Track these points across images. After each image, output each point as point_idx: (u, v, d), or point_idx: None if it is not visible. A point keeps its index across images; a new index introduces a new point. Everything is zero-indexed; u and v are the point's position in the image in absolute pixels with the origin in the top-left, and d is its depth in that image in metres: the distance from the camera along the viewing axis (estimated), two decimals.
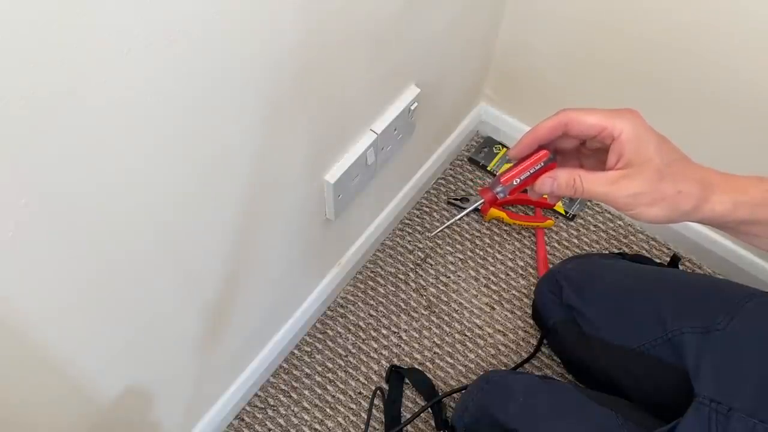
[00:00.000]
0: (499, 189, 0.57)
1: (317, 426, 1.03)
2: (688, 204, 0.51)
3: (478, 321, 1.11)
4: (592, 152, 0.57)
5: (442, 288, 1.14)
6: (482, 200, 0.58)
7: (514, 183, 0.56)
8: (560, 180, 0.53)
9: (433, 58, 0.90)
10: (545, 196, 0.56)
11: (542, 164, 0.55)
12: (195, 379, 0.86)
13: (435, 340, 1.09)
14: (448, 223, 0.63)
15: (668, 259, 1.11)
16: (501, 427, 0.80)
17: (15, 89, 0.38)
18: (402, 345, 1.09)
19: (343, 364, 1.07)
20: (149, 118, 0.49)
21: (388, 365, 1.06)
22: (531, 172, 0.55)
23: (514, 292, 1.13)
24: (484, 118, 1.24)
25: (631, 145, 0.51)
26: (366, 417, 1.02)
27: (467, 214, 0.63)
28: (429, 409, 1.01)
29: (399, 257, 1.16)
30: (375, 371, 1.07)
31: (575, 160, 0.58)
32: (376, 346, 1.09)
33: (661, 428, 0.68)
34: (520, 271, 1.15)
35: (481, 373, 1.03)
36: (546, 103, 1.13)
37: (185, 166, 0.56)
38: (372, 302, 1.12)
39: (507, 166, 0.56)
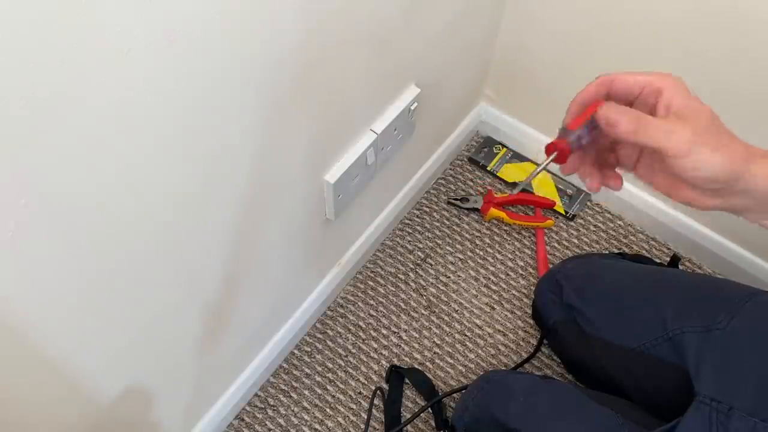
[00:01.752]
0: (569, 135, 0.52)
1: (317, 426, 1.03)
2: (741, 157, 0.47)
3: (478, 321, 1.11)
4: (630, 146, 0.54)
5: (442, 288, 1.14)
6: (555, 154, 0.53)
7: (583, 128, 0.52)
8: (624, 110, 0.49)
9: (433, 58, 0.90)
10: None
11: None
12: (195, 379, 0.86)
13: (435, 340, 1.09)
14: (537, 171, 0.56)
15: (668, 259, 1.11)
16: (501, 426, 0.80)
17: (15, 89, 0.38)
18: (402, 345, 1.09)
19: (343, 364, 1.07)
20: (149, 118, 0.49)
21: (388, 365, 1.06)
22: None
23: (514, 292, 1.13)
24: (484, 118, 1.24)
25: (677, 97, 0.49)
26: (366, 417, 1.02)
27: (535, 171, 0.56)
28: (429, 409, 1.01)
29: (399, 257, 1.16)
30: (375, 371, 1.07)
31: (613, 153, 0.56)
32: (376, 346, 1.09)
33: (662, 427, 0.68)
34: (520, 271, 1.15)
35: (481, 373, 1.03)
36: (546, 103, 1.13)
37: (185, 166, 0.56)
38: (372, 302, 1.12)
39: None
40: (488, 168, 1.24)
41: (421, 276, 1.15)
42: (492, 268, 1.15)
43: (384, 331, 1.10)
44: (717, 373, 0.68)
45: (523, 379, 0.87)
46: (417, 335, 1.10)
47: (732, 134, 0.49)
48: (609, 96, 0.52)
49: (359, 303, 1.12)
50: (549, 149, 0.53)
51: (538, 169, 0.54)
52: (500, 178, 1.23)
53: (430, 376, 1.05)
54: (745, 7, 0.78)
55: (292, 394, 1.05)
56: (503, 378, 0.87)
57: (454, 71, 1.01)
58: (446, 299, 1.12)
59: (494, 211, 1.16)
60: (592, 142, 0.53)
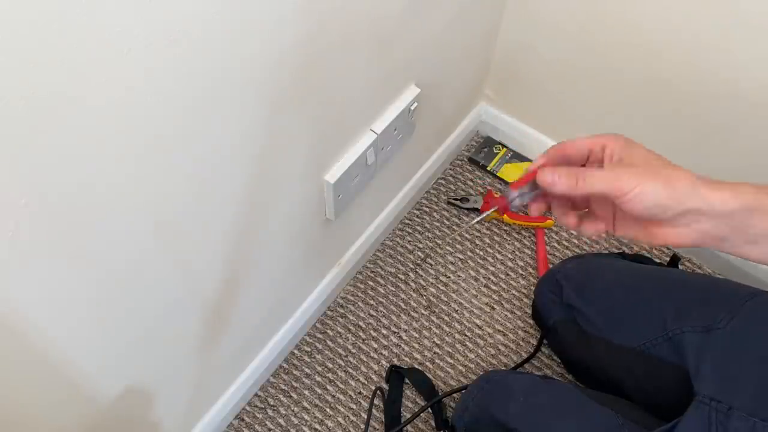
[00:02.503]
0: (510, 194, 0.59)
1: (317, 426, 1.03)
2: (686, 184, 0.51)
3: (478, 321, 1.11)
4: (602, 205, 0.59)
5: (442, 288, 1.14)
6: (495, 208, 0.61)
7: (524, 188, 0.58)
8: (560, 170, 0.55)
9: (433, 58, 0.90)
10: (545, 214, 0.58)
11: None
12: (195, 378, 0.86)
13: (435, 340, 1.09)
14: (464, 227, 0.68)
15: (668, 259, 1.11)
16: (501, 426, 0.80)
17: (15, 89, 0.38)
18: (402, 345, 1.09)
19: (343, 364, 1.07)
20: (149, 118, 0.49)
21: (388, 365, 1.06)
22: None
23: (514, 292, 1.13)
24: (484, 118, 1.24)
25: (620, 148, 0.55)
26: (366, 417, 1.02)
27: (474, 219, 0.66)
28: (429, 409, 1.01)
29: (399, 257, 1.16)
30: (375, 371, 1.07)
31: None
32: (376, 346, 1.09)
33: (662, 428, 0.68)
34: (520, 271, 1.15)
35: (481, 373, 1.03)
36: (546, 103, 1.13)
37: (185, 166, 0.56)
38: (372, 302, 1.12)
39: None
40: (488, 168, 1.24)
41: (421, 276, 1.15)
42: (492, 268, 1.15)
43: (384, 331, 1.10)
44: (716, 372, 0.68)
45: (523, 379, 0.87)
46: (417, 335, 1.10)
47: (677, 167, 0.53)
48: (564, 158, 0.58)
49: (359, 303, 1.12)
50: (490, 203, 0.62)
51: (477, 219, 0.66)
52: (500, 178, 1.23)
53: (430, 376, 1.05)
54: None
55: (292, 394, 1.05)
56: (503, 378, 0.87)
57: (454, 71, 1.01)
58: (446, 299, 1.12)
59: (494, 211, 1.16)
60: (542, 198, 0.59)
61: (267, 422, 1.03)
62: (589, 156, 0.57)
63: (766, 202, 0.51)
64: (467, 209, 1.20)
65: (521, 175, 0.58)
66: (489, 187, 1.22)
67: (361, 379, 1.06)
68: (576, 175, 0.53)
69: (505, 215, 1.16)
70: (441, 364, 1.07)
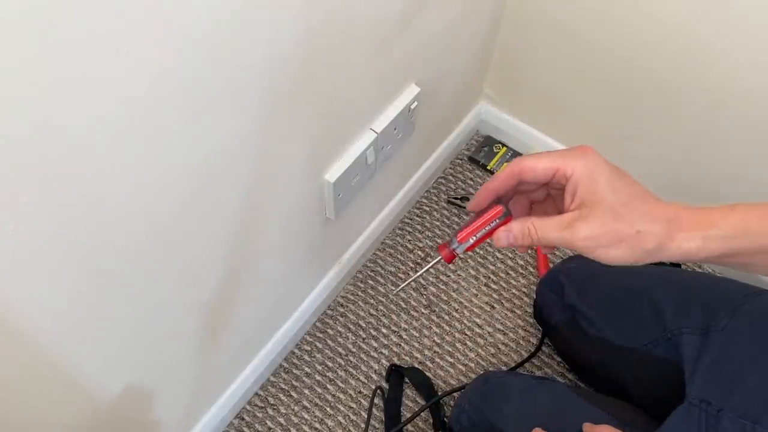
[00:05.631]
0: (456, 246, 0.56)
1: (317, 425, 1.03)
2: (651, 243, 0.47)
3: (478, 320, 1.11)
4: (547, 201, 0.55)
5: (442, 287, 1.14)
6: (440, 257, 0.57)
7: (471, 241, 0.55)
8: (515, 231, 0.51)
9: (434, 58, 0.90)
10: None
11: (497, 221, 0.54)
12: (195, 378, 0.86)
13: (435, 339, 1.09)
14: (413, 278, 0.63)
15: None
16: (495, 429, 0.80)
17: (15, 89, 0.38)
18: (402, 344, 1.09)
19: (343, 363, 1.07)
20: (149, 118, 0.49)
21: (388, 364, 1.06)
22: (486, 229, 0.54)
23: (514, 291, 1.13)
24: (484, 117, 1.24)
25: (583, 183, 0.49)
26: (366, 416, 1.02)
27: (418, 272, 0.62)
28: (428, 408, 1.01)
29: (399, 256, 1.16)
30: (375, 370, 1.07)
31: (548, 207, 0.56)
32: (376, 345, 1.09)
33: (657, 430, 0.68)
34: (521, 270, 1.15)
35: (481, 373, 1.03)
36: (546, 102, 1.13)
37: (185, 165, 0.56)
38: (372, 301, 1.12)
39: (468, 220, 0.55)
40: (488, 167, 1.24)
41: (421, 275, 1.15)
42: (492, 267, 1.15)
43: (384, 330, 1.10)
44: (710, 374, 0.68)
45: (519, 381, 0.87)
46: (417, 334, 1.10)
47: (644, 215, 0.48)
48: (521, 183, 0.52)
49: (359, 302, 1.12)
50: (439, 249, 0.57)
51: (424, 269, 0.60)
52: None
53: (430, 375, 1.05)
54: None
55: (293, 393, 1.05)
56: (500, 380, 0.87)
57: (454, 70, 1.01)
58: (446, 298, 1.12)
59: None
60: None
61: (267, 421, 1.03)
62: (552, 180, 0.51)
63: (736, 245, 0.48)
64: (467, 208, 1.20)
65: (480, 197, 0.54)
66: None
67: (361, 378, 1.06)
68: (530, 234, 0.50)
69: None
70: (441, 363, 1.07)
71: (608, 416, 0.74)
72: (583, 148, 0.50)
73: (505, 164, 1.24)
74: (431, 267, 0.60)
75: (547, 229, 0.49)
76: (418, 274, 0.60)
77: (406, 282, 0.62)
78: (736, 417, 0.64)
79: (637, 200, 0.48)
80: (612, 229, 0.47)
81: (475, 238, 0.55)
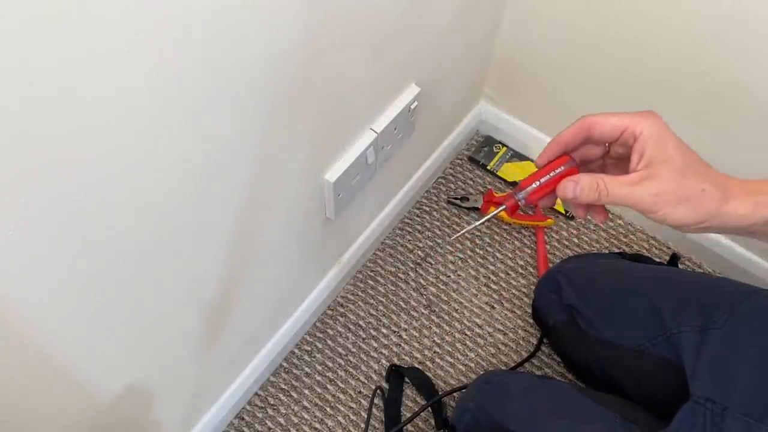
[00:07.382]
0: (520, 194, 0.55)
1: (317, 425, 1.03)
2: (713, 203, 0.50)
3: (478, 320, 1.11)
4: (615, 161, 0.56)
5: (442, 287, 1.14)
6: (504, 206, 0.57)
7: (534, 185, 0.54)
8: (583, 183, 0.52)
9: (434, 58, 0.90)
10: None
11: (562, 168, 0.54)
12: (195, 378, 0.86)
13: (435, 339, 1.09)
14: (471, 227, 0.62)
15: (668, 258, 1.11)
16: (500, 427, 0.80)
17: (15, 89, 0.38)
18: (402, 344, 1.09)
19: (343, 363, 1.07)
20: (149, 118, 0.49)
21: (388, 364, 1.06)
22: (551, 175, 0.54)
23: (514, 291, 1.13)
24: (484, 117, 1.24)
25: (651, 143, 0.51)
26: (366, 416, 1.02)
27: (483, 218, 0.62)
28: (429, 408, 1.01)
29: (399, 256, 1.16)
30: (375, 370, 1.07)
31: (600, 171, 0.57)
32: (376, 345, 1.09)
33: (662, 430, 0.68)
34: (520, 270, 1.15)
35: (481, 372, 1.03)
36: (546, 102, 1.13)
37: (185, 165, 0.56)
38: (372, 301, 1.12)
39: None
40: (488, 167, 1.24)
41: (421, 275, 1.15)
42: (492, 267, 1.15)
43: (384, 330, 1.10)
44: (712, 372, 0.69)
45: (522, 379, 0.87)
46: (417, 334, 1.10)
47: (705, 176, 0.51)
48: (589, 139, 0.54)
49: (359, 302, 1.12)
50: (504, 200, 0.57)
51: (485, 218, 0.60)
52: (500, 178, 1.23)
53: (430, 375, 1.05)
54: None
55: (293, 393, 1.05)
56: (502, 379, 0.87)
57: (454, 70, 1.01)
58: (446, 298, 1.12)
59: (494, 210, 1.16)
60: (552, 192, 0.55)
61: (267, 421, 1.03)
62: (619, 138, 0.53)
63: None
64: (467, 208, 1.20)
65: (550, 150, 0.55)
66: (489, 186, 1.22)
67: (361, 378, 1.06)
68: (598, 188, 0.51)
69: (504, 213, 1.16)
70: (441, 363, 1.07)
71: (612, 414, 0.74)
72: (650, 112, 0.52)
73: (506, 164, 1.24)
74: (493, 216, 0.60)
75: (616, 184, 0.51)
76: (477, 223, 0.60)
77: (463, 230, 0.63)
78: (740, 415, 0.64)
79: (699, 164, 0.51)
80: (680, 187, 0.49)
81: (538, 183, 0.54)
